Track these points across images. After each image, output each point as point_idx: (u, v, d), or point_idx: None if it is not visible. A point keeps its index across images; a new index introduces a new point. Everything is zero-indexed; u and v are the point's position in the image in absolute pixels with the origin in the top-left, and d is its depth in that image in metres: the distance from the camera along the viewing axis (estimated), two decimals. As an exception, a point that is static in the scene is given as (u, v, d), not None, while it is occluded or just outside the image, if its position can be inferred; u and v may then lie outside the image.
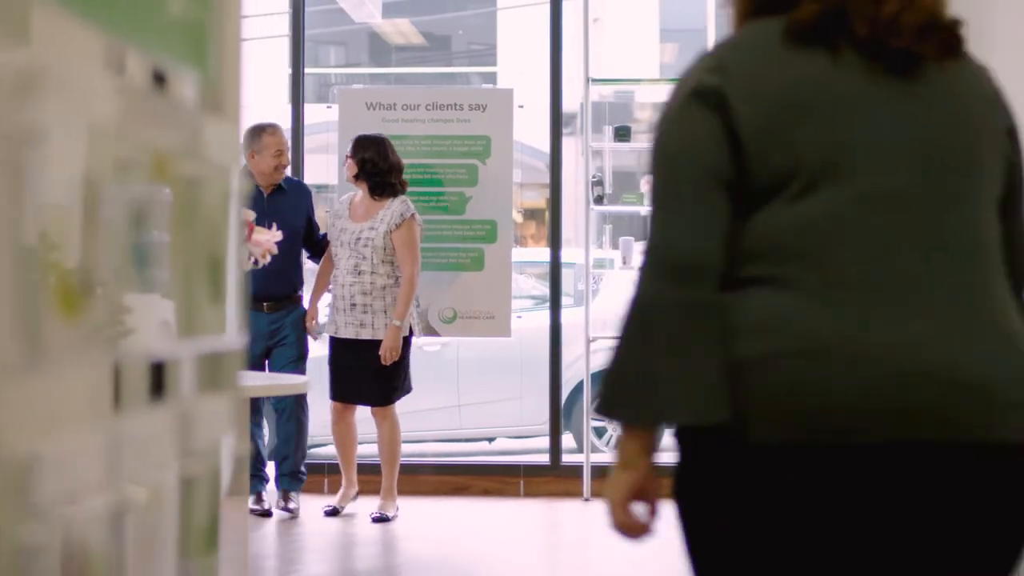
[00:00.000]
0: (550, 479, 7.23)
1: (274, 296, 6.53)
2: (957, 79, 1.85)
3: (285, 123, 7.02)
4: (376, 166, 6.44)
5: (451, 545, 5.84)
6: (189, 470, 1.51)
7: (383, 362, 6.38)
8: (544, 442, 7.43)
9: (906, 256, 1.75)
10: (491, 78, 14.63)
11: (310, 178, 7.34)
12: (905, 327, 1.73)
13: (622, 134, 7.37)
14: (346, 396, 6.58)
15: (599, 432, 9.45)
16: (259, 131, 6.56)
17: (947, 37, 1.83)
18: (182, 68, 1.52)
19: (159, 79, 1.42)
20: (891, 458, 1.73)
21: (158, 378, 1.40)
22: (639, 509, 1.92)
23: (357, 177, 6.50)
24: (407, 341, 6.50)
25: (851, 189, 1.75)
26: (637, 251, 8.40)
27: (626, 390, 1.80)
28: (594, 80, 7.33)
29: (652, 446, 1.84)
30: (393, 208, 6.46)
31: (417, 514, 6.51)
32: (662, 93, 11.91)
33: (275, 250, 4.54)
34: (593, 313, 9.29)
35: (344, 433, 6.61)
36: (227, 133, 1.70)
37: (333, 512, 6.57)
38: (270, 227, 6.01)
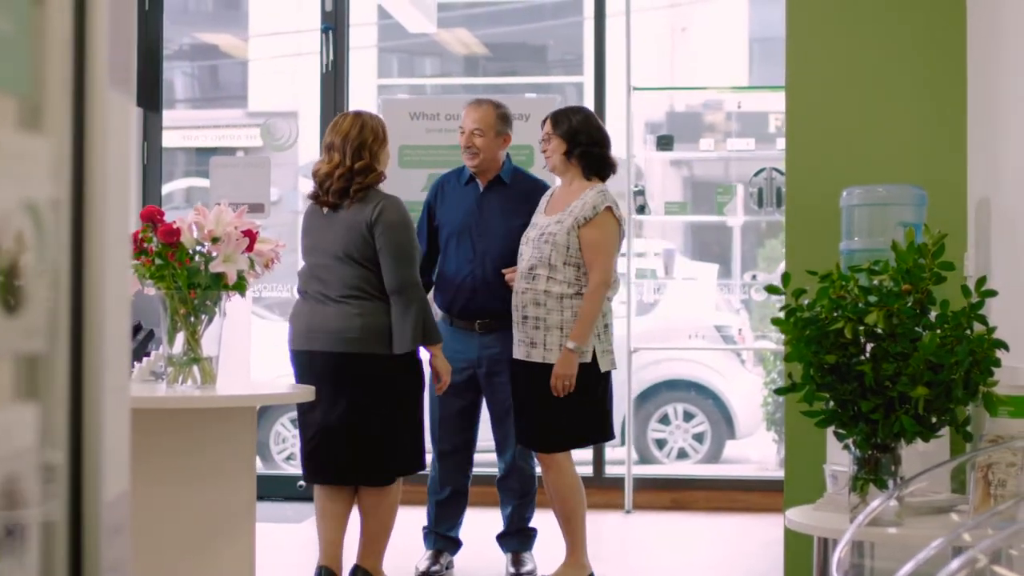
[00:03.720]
0: (592, 491, 7.16)
1: (488, 313, 5.48)
2: (351, 212, 4.97)
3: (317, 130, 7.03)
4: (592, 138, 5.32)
5: (490, 555, 5.82)
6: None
7: (554, 392, 5.10)
8: (587, 454, 7.39)
9: (321, 285, 4.96)
10: (580, 88, 14.61)
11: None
12: (313, 309, 4.96)
13: (664, 143, 7.32)
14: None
15: (660, 444, 9.39)
16: None
17: (354, 193, 4.98)
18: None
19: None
20: (306, 356, 4.97)
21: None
22: None
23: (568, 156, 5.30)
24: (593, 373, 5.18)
25: (312, 260, 5.03)
26: (680, 262, 8.36)
27: None
28: (635, 88, 7.28)
29: None
30: (587, 198, 5.19)
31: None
32: (754, 100, 11.78)
33: (278, 259, 4.54)
34: (653, 322, 9.25)
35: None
36: (38, 147, 1.70)
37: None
38: (477, 228, 5.46)
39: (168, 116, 12.99)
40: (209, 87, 15.97)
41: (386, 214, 4.93)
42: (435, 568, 5.72)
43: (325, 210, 5.05)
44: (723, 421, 9.32)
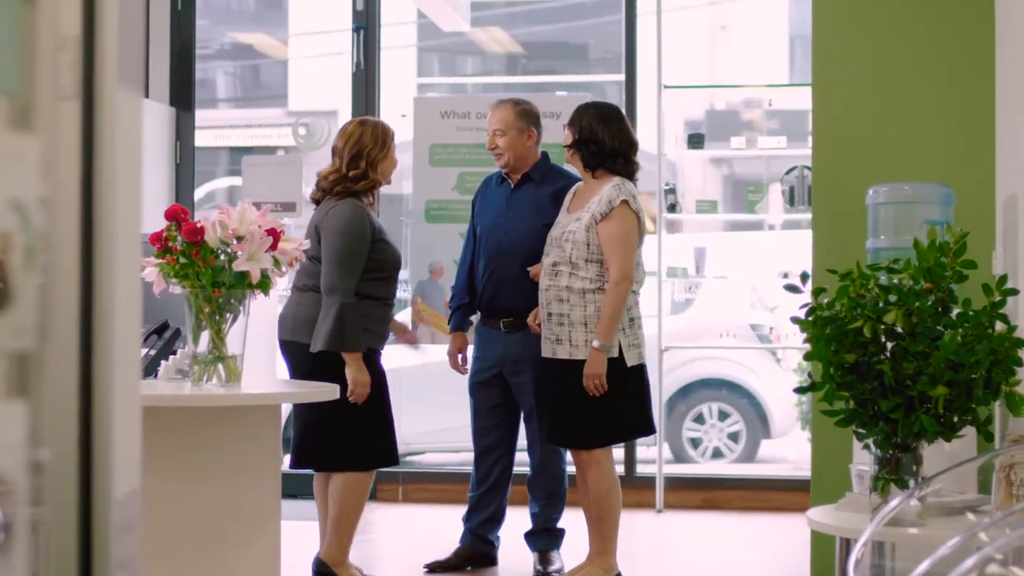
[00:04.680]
0: (624, 489, 7.12)
1: (512, 312, 5.50)
2: (317, 211, 5.23)
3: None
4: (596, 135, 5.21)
5: (518, 553, 5.82)
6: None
7: (588, 392, 5.06)
8: (618, 452, 7.38)
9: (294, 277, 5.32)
10: (621, 87, 14.55)
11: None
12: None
13: (695, 142, 7.30)
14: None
15: (695, 443, 9.36)
16: None
17: (336, 193, 5.20)
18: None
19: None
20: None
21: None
22: None
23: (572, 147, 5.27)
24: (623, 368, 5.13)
25: None
26: (709, 260, 8.32)
27: None
28: (666, 86, 7.26)
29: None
30: (603, 193, 5.16)
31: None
32: (793, 98, 11.76)
33: (302, 258, 4.55)
34: (688, 321, 9.22)
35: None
36: (28, 146, 1.71)
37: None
38: (505, 226, 5.47)
39: (210, 115, 13.09)
40: (251, 86, 16.04)
41: (331, 219, 5.17)
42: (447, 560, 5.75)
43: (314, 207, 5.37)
44: (758, 420, 9.28)
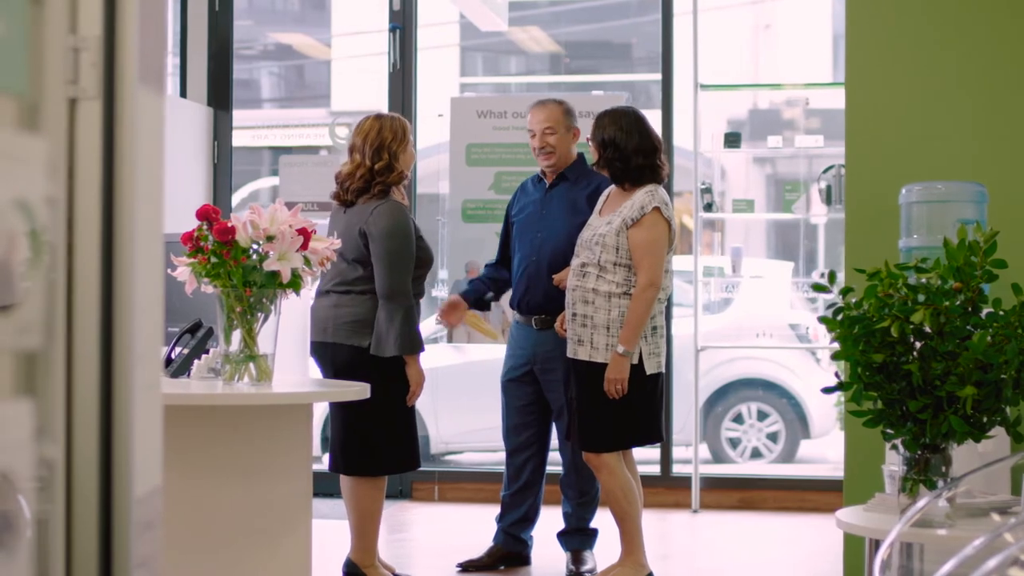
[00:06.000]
0: (660, 490, 7.18)
1: (544, 309, 5.54)
2: (354, 212, 5.21)
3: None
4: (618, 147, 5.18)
5: (551, 552, 5.81)
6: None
7: (608, 396, 5.07)
8: (655, 452, 7.35)
9: (323, 279, 5.22)
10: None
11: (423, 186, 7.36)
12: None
13: (732, 141, 7.28)
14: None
15: (734, 443, 9.33)
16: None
17: (375, 189, 5.17)
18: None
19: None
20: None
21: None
22: None
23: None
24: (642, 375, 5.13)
25: None
26: (750, 259, 8.29)
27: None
28: (703, 86, 7.24)
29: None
30: (636, 198, 5.16)
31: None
32: (835, 97, 11.68)
33: (333, 257, 4.56)
34: (727, 320, 9.19)
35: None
36: (35, 147, 1.72)
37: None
38: (539, 224, 5.50)
39: (254, 116, 13.15)
40: (295, 86, 16.10)
41: (378, 221, 5.14)
42: (481, 559, 5.74)
43: (343, 209, 5.30)
44: (797, 420, 9.24)
